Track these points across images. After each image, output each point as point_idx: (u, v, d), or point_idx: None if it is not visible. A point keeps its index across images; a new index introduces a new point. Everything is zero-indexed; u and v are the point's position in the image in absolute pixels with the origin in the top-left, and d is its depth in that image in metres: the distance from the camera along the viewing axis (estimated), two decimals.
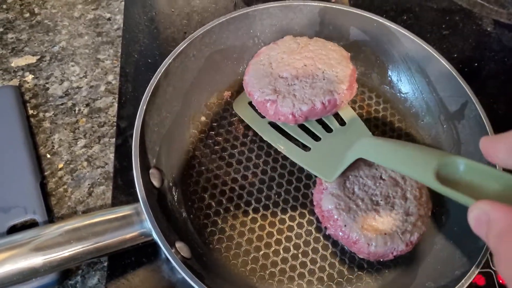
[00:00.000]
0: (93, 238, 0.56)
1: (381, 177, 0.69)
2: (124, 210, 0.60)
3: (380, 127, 0.79)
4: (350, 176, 0.69)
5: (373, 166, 0.70)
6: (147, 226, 0.58)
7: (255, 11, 0.80)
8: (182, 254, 0.60)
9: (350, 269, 0.66)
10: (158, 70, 0.70)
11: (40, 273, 0.54)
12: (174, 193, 0.69)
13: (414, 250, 0.67)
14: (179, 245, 0.61)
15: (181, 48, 0.73)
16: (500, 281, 0.67)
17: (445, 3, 0.99)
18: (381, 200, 0.67)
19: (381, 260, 0.66)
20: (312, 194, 0.71)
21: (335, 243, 0.68)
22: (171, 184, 0.69)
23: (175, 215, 0.67)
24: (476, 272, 0.58)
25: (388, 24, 0.79)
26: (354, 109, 0.81)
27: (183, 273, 0.54)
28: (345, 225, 0.64)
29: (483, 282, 0.67)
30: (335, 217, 0.65)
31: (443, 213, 0.70)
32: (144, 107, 0.66)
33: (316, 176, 0.72)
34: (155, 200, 0.63)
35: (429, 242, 0.68)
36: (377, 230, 0.64)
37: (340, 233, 0.65)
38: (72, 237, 0.56)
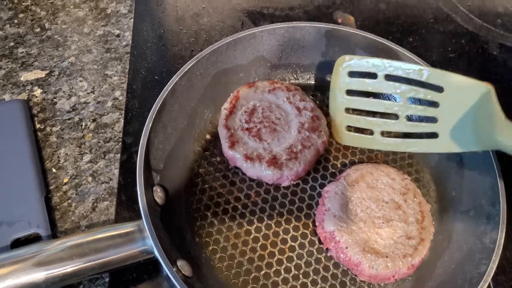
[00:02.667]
0: (95, 255, 0.57)
1: (383, 200, 0.69)
2: (127, 227, 0.60)
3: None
4: (352, 198, 0.69)
5: (376, 189, 0.70)
6: (149, 243, 0.58)
7: (262, 31, 0.80)
8: (183, 272, 0.60)
9: None
10: (165, 88, 0.71)
11: None
12: (177, 210, 0.69)
13: (415, 273, 0.67)
14: (180, 263, 0.61)
15: (188, 67, 0.74)
16: None
17: (451, 26, 0.99)
18: (383, 223, 0.67)
19: (382, 283, 0.66)
20: (314, 214, 0.71)
21: (336, 265, 0.68)
22: (174, 202, 0.69)
23: (178, 233, 0.67)
24: None
25: (394, 46, 0.79)
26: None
27: None
28: (346, 247, 0.65)
29: None
30: (337, 238, 0.65)
31: (445, 238, 0.70)
32: (150, 125, 0.66)
33: (319, 197, 0.72)
34: (158, 217, 0.64)
35: (430, 266, 0.68)
36: (378, 252, 0.64)
37: (342, 255, 0.65)
38: (74, 253, 0.56)
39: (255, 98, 0.78)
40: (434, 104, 0.68)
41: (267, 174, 0.71)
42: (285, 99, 0.78)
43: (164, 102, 0.70)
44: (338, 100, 0.77)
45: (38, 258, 0.55)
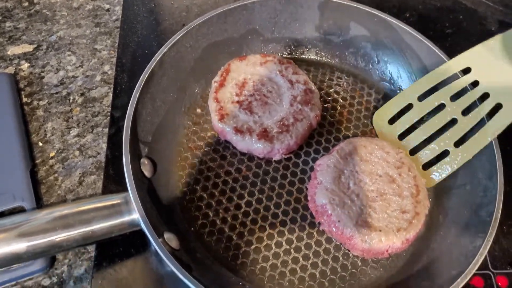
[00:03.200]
0: (80, 226, 0.55)
1: (377, 174, 0.67)
2: (113, 199, 0.58)
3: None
4: (345, 171, 0.67)
5: (370, 162, 0.68)
6: (136, 215, 0.56)
7: (254, 3, 0.79)
8: (170, 245, 0.58)
9: (343, 267, 0.64)
10: (153, 58, 0.69)
11: (24, 259, 0.53)
12: (165, 184, 0.68)
13: (410, 248, 0.66)
14: (168, 236, 0.59)
15: (177, 38, 0.72)
16: (499, 283, 0.65)
17: (449, 2, 0.97)
18: (376, 197, 0.65)
19: (376, 258, 0.65)
20: (306, 188, 0.70)
21: (329, 240, 0.66)
22: (162, 175, 0.68)
23: (166, 206, 0.65)
24: (473, 272, 0.56)
25: (389, 19, 0.77)
26: (352, 105, 0.79)
27: (169, 264, 0.53)
28: (338, 221, 0.63)
29: (482, 284, 0.65)
30: (329, 212, 0.63)
31: (440, 212, 0.69)
32: (137, 95, 0.65)
33: (311, 171, 0.71)
34: (145, 190, 0.62)
35: (426, 241, 0.66)
36: (372, 226, 0.63)
37: (334, 229, 0.63)
38: (58, 224, 0.54)
39: (246, 72, 0.76)
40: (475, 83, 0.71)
41: (257, 147, 0.69)
42: (277, 72, 0.76)
43: (152, 73, 0.68)
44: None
45: (21, 228, 0.53)
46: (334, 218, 0.63)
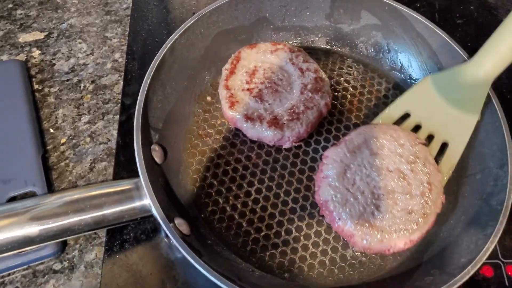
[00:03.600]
0: (91, 211, 0.55)
1: (387, 169, 0.65)
2: (124, 184, 0.59)
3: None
4: (352, 166, 0.65)
5: (380, 156, 0.66)
6: (147, 201, 0.57)
7: None
8: (181, 230, 0.59)
9: (353, 255, 0.64)
10: (164, 45, 0.69)
11: (36, 242, 0.54)
12: (176, 171, 0.68)
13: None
14: (178, 221, 0.60)
15: (188, 25, 0.72)
16: (509, 272, 0.65)
17: None
18: (383, 194, 0.63)
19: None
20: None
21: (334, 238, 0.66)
22: (173, 162, 0.68)
23: (176, 193, 0.66)
24: (483, 260, 0.56)
25: (400, 7, 0.77)
26: (362, 93, 0.79)
27: (181, 248, 0.53)
28: (339, 219, 0.62)
29: (491, 273, 0.65)
30: (331, 209, 0.63)
31: (450, 202, 0.68)
32: (148, 82, 0.65)
33: (321, 158, 0.70)
34: (156, 176, 0.62)
35: (436, 229, 0.66)
36: (373, 226, 0.61)
37: (336, 225, 0.63)
38: (70, 208, 0.55)
39: (257, 59, 0.76)
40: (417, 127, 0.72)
41: (267, 134, 0.69)
42: (288, 60, 0.76)
43: (163, 60, 0.68)
44: None
45: (33, 212, 0.54)
46: (335, 216, 0.62)
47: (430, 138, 0.70)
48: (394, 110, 0.72)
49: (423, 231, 0.62)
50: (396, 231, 0.61)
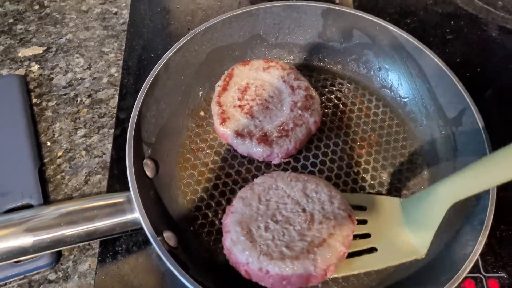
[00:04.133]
0: (83, 223, 0.57)
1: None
2: (116, 198, 0.61)
3: (377, 130, 0.79)
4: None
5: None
6: (137, 214, 0.59)
7: (258, 9, 0.81)
8: (169, 243, 0.60)
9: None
10: (159, 62, 0.71)
11: (30, 253, 0.56)
12: (167, 184, 0.70)
13: None
14: (167, 234, 0.62)
15: (182, 43, 0.74)
16: (491, 286, 0.67)
17: (451, 7, 0.99)
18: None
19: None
20: None
21: None
22: (165, 175, 0.70)
23: (167, 206, 0.68)
24: (462, 278, 0.57)
25: (391, 27, 0.79)
26: (352, 111, 0.81)
27: (167, 262, 0.55)
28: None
29: (473, 287, 0.67)
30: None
31: None
32: (142, 98, 0.67)
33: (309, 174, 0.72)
34: (147, 189, 0.64)
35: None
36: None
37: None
38: (63, 220, 0.57)
39: (249, 76, 0.78)
40: (363, 221, 0.68)
41: (257, 151, 0.71)
42: (280, 77, 0.78)
43: (157, 77, 0.70)
44: None
45: (28, 224, 0.56)
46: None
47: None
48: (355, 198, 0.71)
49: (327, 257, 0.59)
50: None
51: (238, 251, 0.59)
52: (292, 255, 0.58)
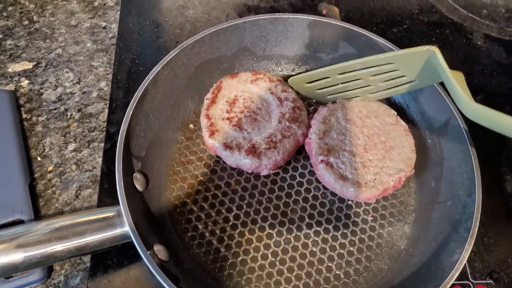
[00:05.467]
0: (74, 238, 0.58)
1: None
2: (106, 212, 0.61)
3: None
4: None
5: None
6: (127, 228, 0.59)
7: (245, 22, 0.81)
8: (159, 256, 0.61)
9: (326, 280, 0.67)
10: (147, 77, 0.72)
11: (20, 269, 0.56)
12: (157, 197, 0.71)
13: (392, 262, 0.68)
14: (157, 247, 0.62)
15: (170, 57, 0.75)
16: None
17: (436, 16, 1.00)
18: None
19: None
20: (293, 203, 0.73)
21: (313, 253, 0.69)
22: (155, 188, 0.71)
23: (157, 219, 0.68)
24: (449, 285, 0.58)
25: (375, 38, 0.80)
26: None
27: (156, 275, 0.56)
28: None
29: None
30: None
31: (422, 227, 0.71)
32: (131, 113, 0.68)
33: (298, 186, 0.74)
34: (137, 203, 0.65)
35: (407, 254, 0.69)
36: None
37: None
38: (53, 236, 0.57)
39: (237, 89, 0.79)
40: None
41: (245, 162, 0.72)
42: (267, 89, 0.79)
43: (146, 91, 0.71)
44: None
45: (19, 240, 0.56)
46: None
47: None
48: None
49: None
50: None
51: None
52: None
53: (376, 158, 0.73)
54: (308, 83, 0.80)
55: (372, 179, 0.71)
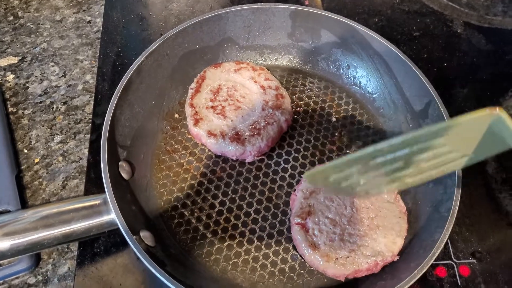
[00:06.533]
0: (60, 225, 0.59)
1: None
2: (93, 200, 0.62)
3: (348, 126, 0.81)
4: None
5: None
6: (113, 215, 0.60)
7: (228, 13, 0.83)
8: (146, 242, 0.62)
9: (302, 264, 0.68)
10: (131, 67, 0.73)
11: (7, 256, 0.57)
12: (143, 185, 0.72)
13: None
14: (144, 233, 0.63)
15: (154, 47, 0.76)
16: (462, 272, 0.69)
17: (417, 6, 1.02)
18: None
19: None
20: (278, 188, 0.74)
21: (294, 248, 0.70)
22: (141, 177, 0.72)
23: (144, 206, 0.69)
24: (430, 264, 0.59)
25: (357, 26, 0.81)
26: (323, 108, 0.83)
27: (143, 259, 0.57)
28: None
29: (445, 274, 0.69)
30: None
31: (407, 209, 0.72)
32: (115, 102, 0.68)
33: (283, 172, 0.75)
34: (123, 191, 0.66)
35: None
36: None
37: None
38: (40, 223, 0.58)
39: (221, 78, 0.80)
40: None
41: (230, 149, 0.73)
42: (251, 78, 0.80)
43: (130, 81, 0.72)
44: None
45: (5, 228, 0.57)
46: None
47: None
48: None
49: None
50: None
51: None
52: None
53: (357, 234, 0.67)
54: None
55: (345, 256, 0.65)
